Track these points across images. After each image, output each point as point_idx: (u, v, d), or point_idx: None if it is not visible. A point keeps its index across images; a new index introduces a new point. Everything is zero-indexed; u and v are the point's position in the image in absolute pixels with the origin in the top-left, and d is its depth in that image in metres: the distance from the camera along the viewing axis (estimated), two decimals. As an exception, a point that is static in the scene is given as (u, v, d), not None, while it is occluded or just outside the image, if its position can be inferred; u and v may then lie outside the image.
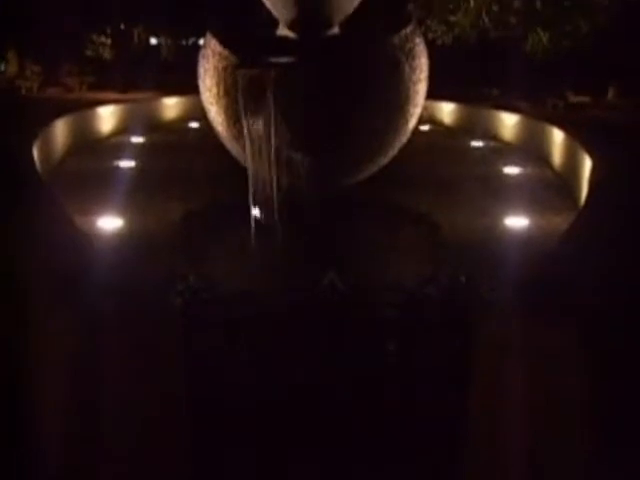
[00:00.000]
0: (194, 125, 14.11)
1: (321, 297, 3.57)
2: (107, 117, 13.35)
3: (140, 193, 8.23)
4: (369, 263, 5.45)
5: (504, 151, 12.06)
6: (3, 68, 23.16)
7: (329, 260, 4.83)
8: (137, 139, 12.58)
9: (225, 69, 5.72)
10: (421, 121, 6.80)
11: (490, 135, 13.42)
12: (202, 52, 6.22)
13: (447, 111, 15.83)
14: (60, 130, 10.91)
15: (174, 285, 4.39)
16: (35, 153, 8.62)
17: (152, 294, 4.25)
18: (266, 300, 3.59)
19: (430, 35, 15.83)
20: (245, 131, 5.51)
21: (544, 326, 3.52)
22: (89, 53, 25.80)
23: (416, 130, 6.55)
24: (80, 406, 3.32)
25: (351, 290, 3.63)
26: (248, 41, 6.07)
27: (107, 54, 25.92)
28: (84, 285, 4.09)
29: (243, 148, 5.70)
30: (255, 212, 5.74)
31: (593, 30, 15.72)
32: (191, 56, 7.69)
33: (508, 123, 13.38)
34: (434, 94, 7.39)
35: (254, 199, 5.72)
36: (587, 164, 8.25)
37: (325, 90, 5.24)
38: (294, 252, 5.48)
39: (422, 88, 6.17)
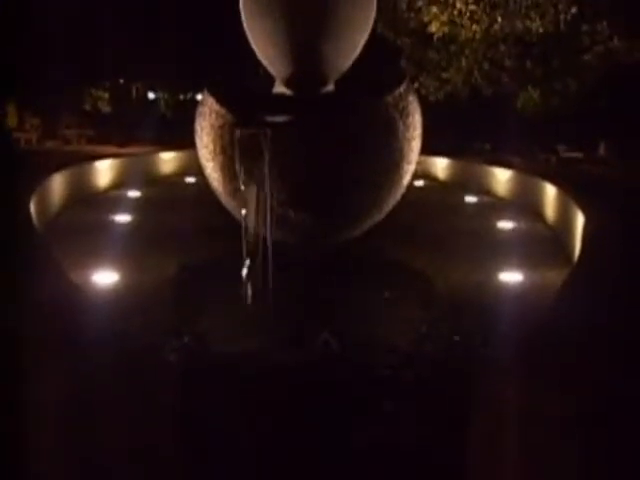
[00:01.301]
0: (191, 180, 14.24)
1: (316, 357, 3.57)
2: (105, 171, 13.46)
3: (136, 247, 8.25)
4: (363, 320, 5.45)
5: (497, 206, 12.17)
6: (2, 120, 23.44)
7: (323, 317, 4.84)
8: (134, 193, 12.66)
9: (222, 127, 5.83)
10: (415, 176, 6.89)
11: (483, 190, 13.57)
12: (199, 110, 6.35)
13: (441, 166, 16.03)
14: (58, 183, 11.00)
15: (168, 342, 4.39)
16: (32, 206, 8.66)
17: (147, 350, 4.24)
18: (259, 359, 3.58)
19: (423, 91, 16.12)
20: (241, 188, 5.57)
21: (541, 387, 3.51)
22: (88, 107, 26.17)
23: (410, 185, 6.64)
24: (77, 462, 3.28)
25: (345, 350, 3.63)
26: (245, 99, 6.20)
27: (106, 108, 26.32)
28: (78, 341, 4.07)
29: (239, 204, 5.76)
30: (248, 268, 5.76)
31: (582, 88, 16.06)
32: (189, 111, 7.85)
33: (501, 178, 13.55)
34: (427, 149, 7.51)
35: (248, 255, 5.75)
36: (579, 219, 8.33)
37: (320, 149, 5.34)
38: (287, 309, 5.48)
39: (416, 145, 6.29)
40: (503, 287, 7.12)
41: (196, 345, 3.93)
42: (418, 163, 6.59)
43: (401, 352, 3.71)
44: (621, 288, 5.55)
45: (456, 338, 3.86)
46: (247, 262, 5.68)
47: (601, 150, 20.60)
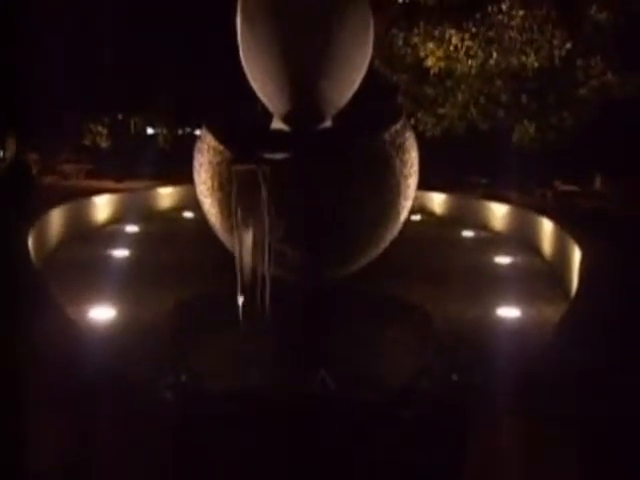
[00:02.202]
0: (189, 215, 14.28)
1: (312, 396, 3.54)
2: (103, 206, 13.50)
3: (133, 282, 8.24)
4: (360, 356, 5.42)
5: (495, 241, 12.21)
6: (1, 155, 23.58)
7: (321, 354, 4.81)
8: (132, 228, 12.69)
9: (220, 163, 5.86)
10: (412, 211, 6.92)
11: (480, 225, 13.61)
12: (198, 146, 6.39)
13: (438, 201, 16.10)
14: (56, 218, 11.02)
15: (164, 379, 4.36)
16: (30, 241, 8.67)
17: (143, 387, 4.21)
18: (256, 397, 3.55)
19: (420, 127, 16.27)
20: (238, 224, 5.59)
21: (539, 425, 3.49)
22: (86, 142, 26.36)
23: (407, 220, 6.66)
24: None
25: (342, 388, 3.60)
26: (243, 136, 6.24)
27: (104, 143, 26.50)
28: (75, 377, 4.05)
29: (237, 241, 5.76)
30: (245, 304, 5.75)
31: (578, 122, 16.22)
32: (187, 146, 7.90)
33: (498, 213, 13.60)
34: (424, 184, 7.56)
35: (245, 291, 5.74)
36: (576, 253, 8.35)
37: (318, 186, 5.36)
38: (284, 346, 5.45)
39: (413, 181, 6.32)
40: (501, 322, 7.11)
41: (192, 383, 3.91)
42: (415, 198, 6.61)
43: (399, 390, 3.68)
44: (618, 323, 5.55)
45: (454, 377, 3.83)
46: (243, 298, 5.66)
47: (597, 184, 20.75)
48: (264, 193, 5.26)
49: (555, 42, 14.73)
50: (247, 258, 5.64)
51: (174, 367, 4.63)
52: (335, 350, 5.44)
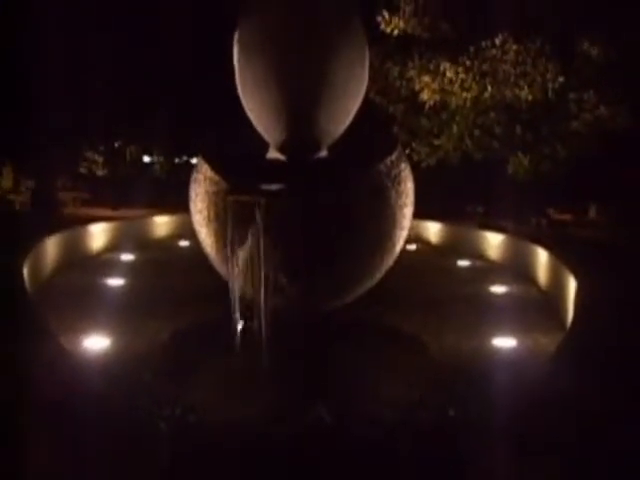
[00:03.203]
0: (184, 243, 14.29)
1: (309, 429, 3.52)
2: (98, 234, 13.50)
3: (128, 311, 8.21)
4: (355, 387, 5.39)
5: (490, 270, 12.23)
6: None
7: (317, 386, 4.79)
8: (127, 256, 12.68)
9: (216, 194, 5.90)
10: (408, 240, 6.94)
11: (476, 254, 13.64)
12: (194, 176, 6.43)
13: (433, 230, 16.15)
14: (51, 247, 11.01)
15: (159, 410, 4.32)
16: (25, 270, 8.66)
17: (137, 418, 4.18)
18: (252, 431, 3.53)
19: (415, 157, 16.38)
20: (233, 254, 5.60)
21: (535, 457, 3.47)
22: (83, 170, 26.42)
23: (403, 249, 6.68)
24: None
25: (339, 422, 3.58)
26: (239, 166, 6.28)
27: (100, 171, 26.57)
28: (69, 408, 4.02)
29: (232, 271, 5.77)
30: (240, 334, 5.74)
31: (571, 153, 16.36)
32: (183, 174, 7.94)
33: (493, 242, 13.64)
34: (420, 213, 7.59)
35: (240, 321, 5.73)
36: (572, 283, 8.37)
37: (313, 216, 5.40)
38: (280, 377, 5.42)
39: (408, 212, 6.36)
40: (497, 353, 7.09)
41: (188, 415, 3.88)
42: (410, 227, 6.64)
43: (394, 422, 3.66)
44: (615, 354, 5.54)
45: (451, 412, 3.81)
46: (239, 328, 5.66)
47: (592, 213, 20.88)
48: (259, 223, 5.29)
49: (548, 75, 14.90)
50: (243, 288, 5.64)
51: (169, 398, 4.60)
52: (330, 381, 5.41)
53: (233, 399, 5.14)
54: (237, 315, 5.73)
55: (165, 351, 6.57)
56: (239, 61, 6.36)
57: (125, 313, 8.10)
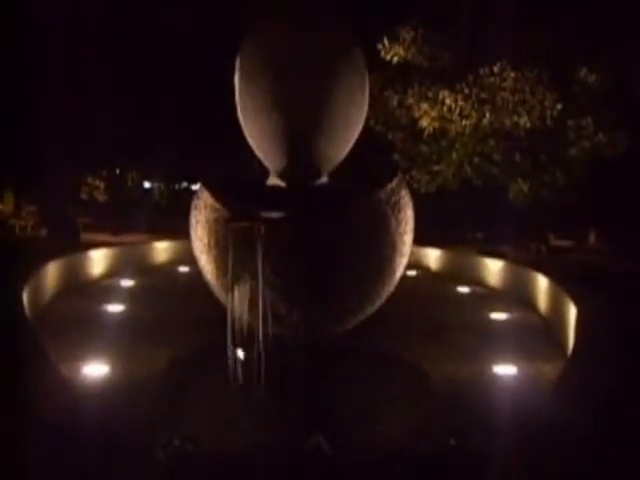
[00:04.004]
0: (184, 269, 14.28)
1: (308, 460, 3.49)
2: (98, 260, 13.50)
3: (127, 338, 8.18)
4: (356, 417, 5.35)
5: (490, 297, 12.20)
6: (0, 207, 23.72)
7: (315, 415, 4.76)
8: (127, 282, 12.67)
9: (216, 221, 5.91)
10: (407, 267, 6.94)
11: (476, 281, 13.63)
12: (194, 203, 6.44)
13: (433, 257, 16.14)
14: (51, 272, 11.00)
15: (157, 439, 4.30)
16: (26, 294, 8.64)
17: (136, 446, 4.15)
18: (250, 460, 3.50)
19: (415, 184, 16.45)
20: (233, 281, 5.60)
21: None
22: (84, 195, 26.53)
23: (403, 276, 6.67)
24: None
25: (337, 453, 3.55)
26: (239, 193, 6.31)
27: (101, 197, 26.69)
28: (66, 435, 4.00)
29: (232, 298, 5.76)
30: (239, 362, 5.71)
31: (570, 180, 16.44)
32: (183, 200, 7.96)
33: (493, 269, 13.63)
34: (420, 239, 7.59)
35: (239, 349, 5.71)
36: (572, 309, 8.35)
37: (313, 244, 5.40)
38: (278, 405, 5.39)
39: (408, 239, 6.37)
40: (498, 380, 7.05)
41: (186, 444, 3.85)
42: (410, 253, 6.64)
43: (394, 453, 3.63)
44: (616, 382, 5.52)
45: (452, 442, 3.78)
46: (238, 355, 5.63)
47: (591, 239, 20.92)
48: (260, 251, 5.29)
49: (546, 103, 15.03)
50: (242, 315, 5.63)
51: (167, 427, 4.57)
52: (329, 410, 5.37)
53: (232, 428, 5.10)
54: (235, 343, 5.71)
55: (164, 378, 6.53)
56: (240, 87, 6.42)
57: (124, 339, 8.07)
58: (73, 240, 16.08)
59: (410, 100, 16.00)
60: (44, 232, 20.53)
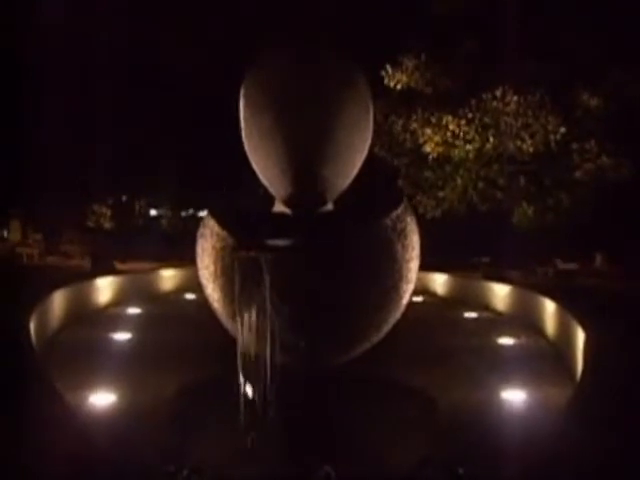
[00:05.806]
0: (191, 297, 14.28)
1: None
2: (105, 288, 13.53)
3: (135, 366, 8.17)
4: (364, 444, 5.32)
5: (497, 322, 12.16)
6: (6, 235, 23.85)
7: (324, 444, 4.73)
8: (134, 310, 12.68)
9: (223, 249, 5.93)
10: (414, 292, 6.93)
11: (483, 305, 13.59)
12: (201, 231, 6.48)
13: (439, 282, 16.12)
14: (58, 301, 11.02)
15: (165, 468, 4.29)
16: (32, 324, 8.65)
17: (143, 477, 4.14)
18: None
19: (420, 210, 16.49)
20: (240, 310, 5.60)
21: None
22: (90, 223, 26.65)
23: (409, 301, 6.66)
24: None
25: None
26: (245, 221, 6.34)
27: (107, 224, 26.79)
28: (74, 466, 3.99)
29: (239, 326, 5.76)
30: (247, 390, 5.69)
31: (575, 203, 16.46)
32: (190, 227, 8.00)
33: (500, 293, 13.60)
34: (426, 265, 7.58)
35: (247, 377, 5.69)
36: (580, 334, 8.31)
37: (319, 272, 5.41)
38: (287, 435, 5.36)
39: (414, 265, 6.37)
40: (506, 406, 7.01)
41: (193, 474, 3.84)
42: (417, 278, 6.64)
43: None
44: (625, 406, 5.48)
45: (460, 471, 3.75)
46: (247, 386, 5.62)
47: (598, 262, 20.84)
48: (266, 279, 5.31)
49: (550, 127, 15.11)
50: (250, 344, 5.63)
51: (175, 457, 4.56)
52: (336, 439, 5.34)
53: (239, 458, 5.08)
54: (243, 373, 5.69)
55: (171, 408, 6.51)
56: (245, 115, 6.48)
57: (131, 368, 8.06)
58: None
59: (414, 126, 16.11)
60: (50, 259, 20.63)
